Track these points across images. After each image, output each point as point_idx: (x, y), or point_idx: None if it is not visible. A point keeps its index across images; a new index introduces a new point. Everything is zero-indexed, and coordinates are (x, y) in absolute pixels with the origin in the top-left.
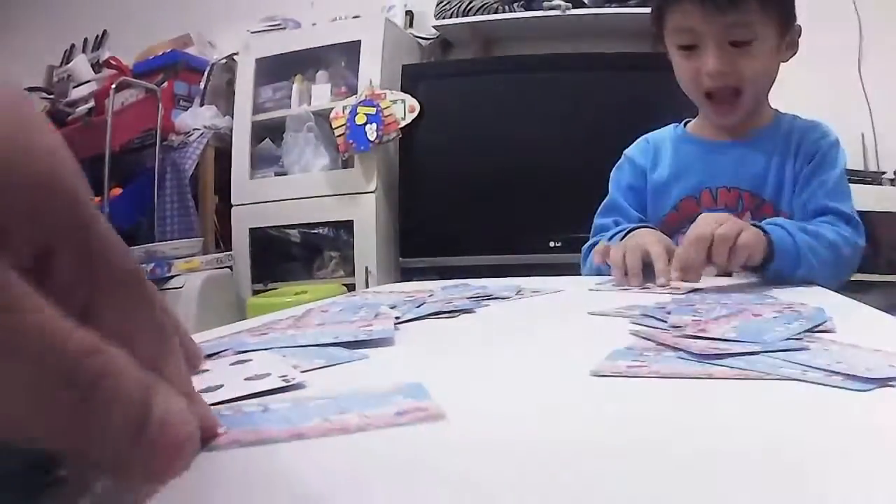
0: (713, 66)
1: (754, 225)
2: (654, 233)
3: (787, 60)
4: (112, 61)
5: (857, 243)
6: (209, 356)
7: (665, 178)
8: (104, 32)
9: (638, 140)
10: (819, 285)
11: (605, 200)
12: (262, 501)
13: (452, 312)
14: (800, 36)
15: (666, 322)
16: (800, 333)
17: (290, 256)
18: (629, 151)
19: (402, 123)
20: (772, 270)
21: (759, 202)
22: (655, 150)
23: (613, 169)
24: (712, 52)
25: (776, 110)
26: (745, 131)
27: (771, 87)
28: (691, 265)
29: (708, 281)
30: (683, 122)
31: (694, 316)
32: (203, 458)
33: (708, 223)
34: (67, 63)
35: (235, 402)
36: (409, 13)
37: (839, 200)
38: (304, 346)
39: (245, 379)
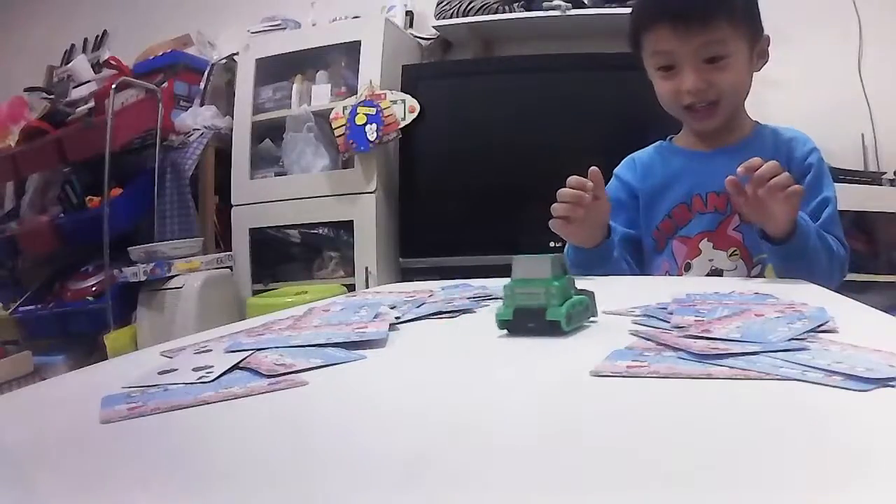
0: (692, 84)
1: None
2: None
3: (760, 69)
4: (112, 61)
5: (846, 266)
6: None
7: (657, 188)
8: (104, 32)
9: (624, 160)
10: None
11: None
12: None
13: (452, 312)
14: (769, 45)
15: (668, 322)
16: (803, 333)
17: (290, 256)
18: (617, 170)
19: (402, 124)
20: (785, 248)
21: None
22: (643, 167)
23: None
24: (689, 72)
25: (756, 122)
26: (729, 142)
27: (746, 96)
28: (766, 175)
29: (706, 282)
30: (668, 138)
31: (696, 316)
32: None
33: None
34: (67, 63)
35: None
36: (409, 13)
37: (837, 226)
38: (299, 346)
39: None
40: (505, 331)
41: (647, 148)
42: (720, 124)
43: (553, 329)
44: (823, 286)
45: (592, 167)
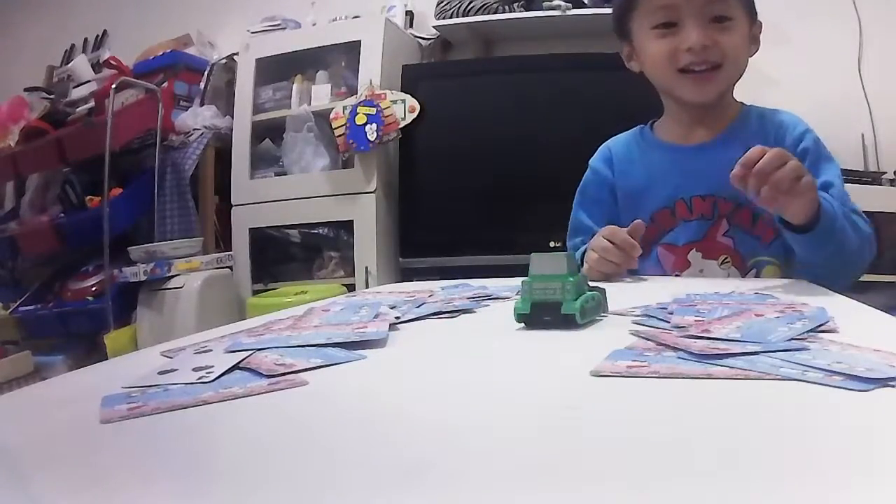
0: (696, 39)
1: None
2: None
3: (752, 55)
4: (112, 61)
5: (874, 242)
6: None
7: (638, 187)
8: (104, 32)
9: (600, 147)
10: (828, 281)
11: (570, 220)
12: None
13: (452, 312)
14: (761, 32)
15: (668, 322)
16: (803, 333)
17: (290, 256)
18: (593, 161)
19: (402, 123)
20: (811, 235)
21: (735, 207)
22: (619, 158)
23: (582, 181)
24: (694, 26)
25: (741, 103)
26: (715, 128)
27: (740, 77)
28: (766, 170)
29: (706, 282)
30: (649, 124)
31: (697, 316)
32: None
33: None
34: (67, 63)
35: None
36: (409, 13)
37: (850, 202)
38: (299, 346)
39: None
40: (522, 324)
41: (624, 134)
42: (714, 97)
43: (568, 322)
44: (856, 269)
45: (637, 220)
